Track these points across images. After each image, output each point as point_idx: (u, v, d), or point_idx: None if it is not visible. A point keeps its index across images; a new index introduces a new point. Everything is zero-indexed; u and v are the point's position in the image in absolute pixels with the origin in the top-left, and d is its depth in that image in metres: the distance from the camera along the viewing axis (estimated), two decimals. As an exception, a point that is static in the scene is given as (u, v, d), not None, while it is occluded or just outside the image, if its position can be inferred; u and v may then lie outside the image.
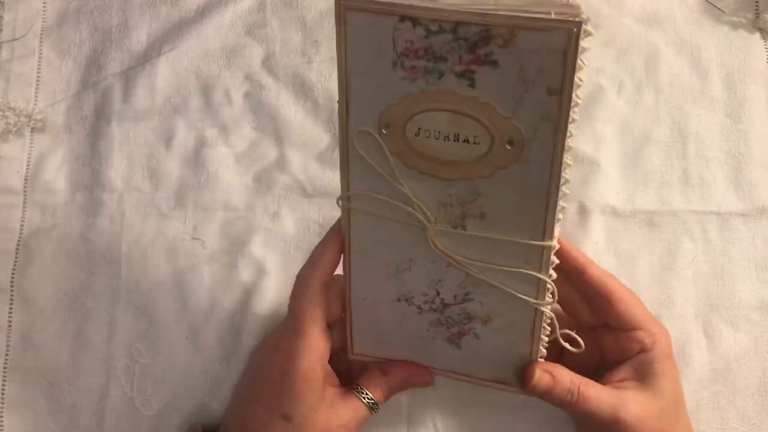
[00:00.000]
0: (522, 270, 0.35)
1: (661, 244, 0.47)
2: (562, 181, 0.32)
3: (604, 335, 0.41)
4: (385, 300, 0.39)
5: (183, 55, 0.50)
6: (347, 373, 0.42)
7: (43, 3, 0.52)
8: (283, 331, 0.40)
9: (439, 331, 0.39)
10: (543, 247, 0.34)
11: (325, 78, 0.49)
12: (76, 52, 0.51)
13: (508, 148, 0.31)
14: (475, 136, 0.31)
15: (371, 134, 0.33)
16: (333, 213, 0.47)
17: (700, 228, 0.47)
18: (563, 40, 0.28)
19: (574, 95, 0.29)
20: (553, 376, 0.38)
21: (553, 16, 0.28)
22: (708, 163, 0.48)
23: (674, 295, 0.46)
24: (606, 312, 0.40)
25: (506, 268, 0.35)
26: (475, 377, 0.41)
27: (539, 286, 0.36)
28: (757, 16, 0.50)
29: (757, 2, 0.51)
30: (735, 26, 0.50)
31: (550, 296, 0.36)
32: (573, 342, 0.39)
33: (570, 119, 0.30)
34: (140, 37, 0.51)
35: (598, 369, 0.41)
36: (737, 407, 0.45)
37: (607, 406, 0.37)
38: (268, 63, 0.50)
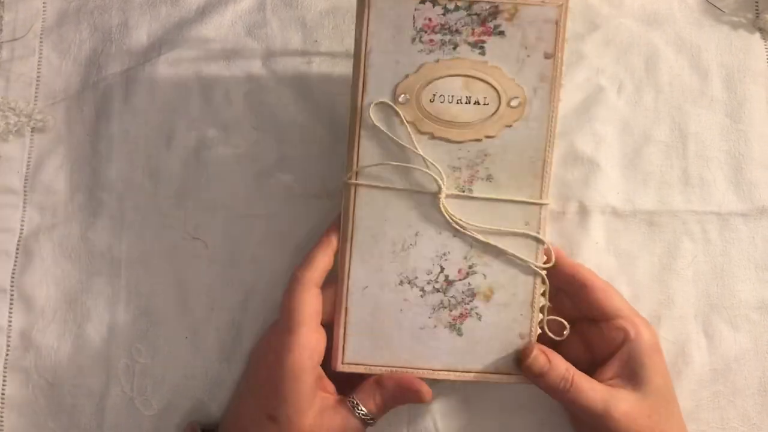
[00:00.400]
0: (524, 231, 0.40)
1: (661, 244, 0.47)
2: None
3: (589, 329, 0.41)
4: (387, 286, 0.40)
5: (183, 55, 0.50)
6: (347, 382, 0.41)
7: (43, 3, 0.52)
8: (276, 328, 0.40)
9: (441, 316, 0.40)
10: (540, 206, 0.40)
11: (325, 78, 0.49)
12: (76, 52, 0.51)
13: (513, 105, 0.38)
14: (485, 98, 0.38)
15: (387, 105, 0.38)
16: (333, 213, 0.47)
17: (700, 228, 0.47)
18: (556, 12, 0.37)
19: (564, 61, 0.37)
20: (549, 360, 0.39)
21: None
22: (708, 163, 0.48)
23: (674, 295, 0.46)
24: (584, 301, 0.41)
25: (509, 229, 0.39)
26: (475, 372, 0.41)
27: (537, 252, 0.40)
28: (757, 16, 0.50)
29: (757, 2, 0.51)
30: (735, 26, 0.50)
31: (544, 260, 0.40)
32: (557, 332, 0.41)
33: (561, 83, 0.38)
34: (140, 37, 0.51)
35: (587, 372, 0.41)
36: (737, 407, 0.45)
37: (600, 400, 0.38)
38: (268, 63, 0.50)
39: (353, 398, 0.40)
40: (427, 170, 0.38)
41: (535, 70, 0.38)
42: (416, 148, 0.38)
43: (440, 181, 0.38)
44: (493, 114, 0.38)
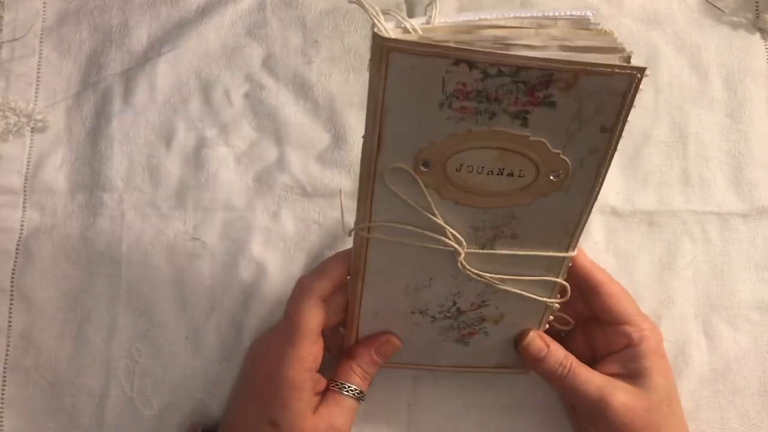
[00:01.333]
0: (544, 278, 0.36)
1: (661, 244, 0.47)
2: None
3: (595, 330, 0.42)
4: (399, 314, 0.39)
5: (183, 55, 0.50)
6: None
7: (43, 3, 0.52)
8: (277, 334, 0.40)
9: (449, 334, 0.40)
10: (566, 257, 0.36)
11: (325, 78, 0.49)
12: (76, 52, 0.51)
13: (553, 179, 0.32)
14: (520, 170, 0.31)
15: (406, 171, 0.31)
16: (333, 213, 0.47)
17: (700, 228, 0.47)
18: (625, 84, 0.29)
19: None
20: (547, 345, 0.39)
21: (617, 62, 0.28)
22: (708, 163, 0.48)
23: (674, 295, 0.46)
24: (594, 303, 0.41)
25: (529, 278, 0.36)
26: (478, 367, 0.42)
27: (554, 287, 0.37)
28: (757, 16, 0.50)
29: (757, 2, 0.51)
30: (735, 26, 0.50)
31: (558, 296, 0.38)
32: (562, 322, 0.41)
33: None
34: (140, 37, 0.51)
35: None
36: (737, 407, 0.45)
37: (598, 388, 0.38)
38: (268, 63, 0.50)
39: (337, 381, 0.40)
40: (449, 239, 0.34)
41: (586, 144, 0.30)
42: (437, 217, 0.33)
43: (458, 247, 0.34)
44: (528, 186, 0.32)
